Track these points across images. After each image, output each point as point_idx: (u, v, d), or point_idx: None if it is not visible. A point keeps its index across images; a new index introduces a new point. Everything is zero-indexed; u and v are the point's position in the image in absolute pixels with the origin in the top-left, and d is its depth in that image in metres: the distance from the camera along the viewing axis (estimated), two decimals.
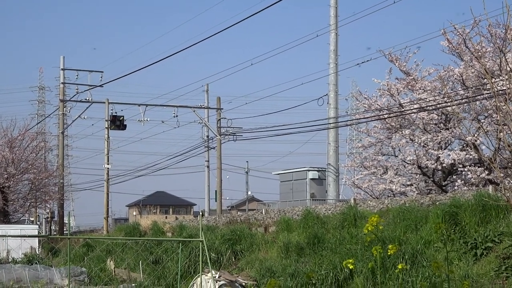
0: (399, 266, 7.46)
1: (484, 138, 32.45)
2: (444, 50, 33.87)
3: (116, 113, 53.30)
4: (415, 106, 34.52)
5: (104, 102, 53.58)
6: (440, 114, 34.29)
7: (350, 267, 7.18)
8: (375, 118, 37.18)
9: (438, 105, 33.40)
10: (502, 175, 14.56)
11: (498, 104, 11.64)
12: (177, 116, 55.18)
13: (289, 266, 23.24)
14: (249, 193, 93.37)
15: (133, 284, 27.54)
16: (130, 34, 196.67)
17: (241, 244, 28.69)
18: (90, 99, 54.79)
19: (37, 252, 40.88)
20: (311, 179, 45.99)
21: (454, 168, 33.69)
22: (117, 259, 33.47)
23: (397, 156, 36.58)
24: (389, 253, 7.04)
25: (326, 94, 42.41)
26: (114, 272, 31.80)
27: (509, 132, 10.48)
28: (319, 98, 43.25)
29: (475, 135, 31.59)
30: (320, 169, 46.49)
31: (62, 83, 57.67)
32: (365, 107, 37.84)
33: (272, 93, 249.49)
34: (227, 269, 26.94)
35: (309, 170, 46.54)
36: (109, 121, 52.81)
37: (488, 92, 29.26)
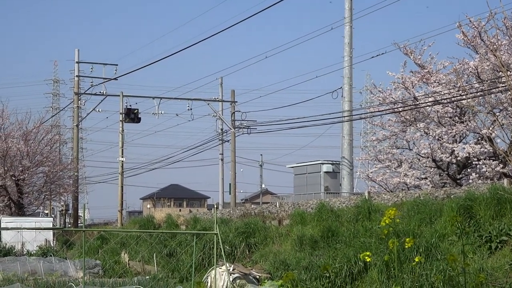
0: (416, 259, 7.45)
1: (499, 131, 32.32)
2: (459, 43, 33.75)
3: (130, 106, 53.43)
4: (430, 99, 34.41)
5: (119, 95, 53.71)
6: (455, 107, 34.17)
7: (368, 260, 7.17)
8: (389, 111, 37.09)
9: (453, 98, 33.29)
10: None
11: None
12: (191, 109, 55.29)
13: (303, 259, 23.24)
14: (263, 186, 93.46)
15: (147, 277, 27.60)
16: (144, 27, 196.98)
17: (255, 237, 28.71)
18: (104, 92, 54.92)
19: (52, 245, 41.05)
20: (325, 172, 45.98)
21: (469, 161, 33.59)
22: (131, 251, 33.58)
23: (411, 150, 36.50)
24: (406, 246, 7.01)
25: (341, 87, 42.36)
26: (128, 264, 31.91)
27: None
28: (333, 91, 43.25)
29: (490, 128, 31.47)
30: (334, 162, 46.46)
31: (76, 76, 57.80)
32: (379, 100, 37.76)
33: (287, 86, 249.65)
34: (241, 262, 26.98)
35: (323, 163, 46.53)
36: (123, 114, 52.92)
37: (503, 85, 29.14)
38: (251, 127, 54.03)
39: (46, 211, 77.01)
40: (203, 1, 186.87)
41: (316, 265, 21.86)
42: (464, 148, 32.73)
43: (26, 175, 51.57)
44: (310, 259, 23.10)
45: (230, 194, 58.57)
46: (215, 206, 27.95)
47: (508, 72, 26.48)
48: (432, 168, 35.30)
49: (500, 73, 29.94)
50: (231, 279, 23.02)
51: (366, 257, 7.16)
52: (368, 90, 43.50)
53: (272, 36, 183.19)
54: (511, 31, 31.68)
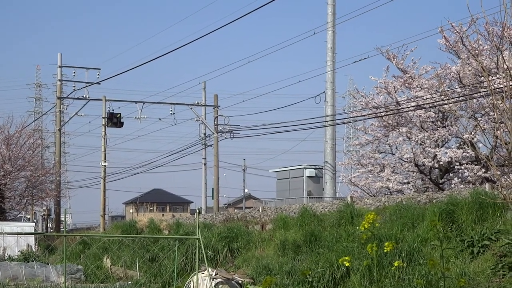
0: (395, 263, 7.44)
1: (481, 136, 32.45)
2: (441, 48, 33.89)
3: (113, 110, 53.18)
4: (412, 104, 34.51)
5: (101, 100, 53.46)
6: (437, 112, 34.29)
7: (346, 265, 7.15)
8: (372, 116, 37.16)
9: (435, 103, 33.39)
10: (499, 173, 14.53)
11: (495, 102, 11.63)
12: (174, 113, 55.07)
13: (286, 264, 23.22)
14: (246, 190, 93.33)
15: (130, 282, 27.53)
16: (127, 31, 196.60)
17: (238, 242, 28.66)
18: (87, 96, 54.71)
19: (34, 250, 40.82)
20: (308, 176, 45.93)
21: (451, 166, 33.69)
22: (114, 256, 33.44)
23: (394, 154, 36.57)
24: (385, 251, 7.01)
25: (323, 92, 42.38)
26: (111, 269, 31.79)
27: (506, 130, 10.45)
28: (316, 95, 43.26)
29: (472, 133, 31.58)
30: (317, 166, 46.44)
31: (59, 80, 57.59)
32: (362, 105, 37.82)
33: (269, 91, 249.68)
34: (224, 267, 26.93)
35: (306, 168, 46.48)
36: (106, 119, 52.68)
37: (485, 90, 29.24)
38: (234, 132, 54.00)
39: (28, 216, 76.53)
40: (186, 6, 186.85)
41: (298, 270, 21.87)
42: (446, 153, 32.84)
43: (8, 179, 51.30)
44: (293, 263, 23.09)
45: (213, 198, 58.40)
46: (198, 211, 27.87)
47: (490, 77, 26.57)
48: (415, 173, 35.38)
49: (482, 78, 30.06)
50: (213, 284, 22.96)
51: (345, 262, 7.14)
52: (351, 94, 43.60)
53: (255, 41, 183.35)
54: (492, 36, 31.81)
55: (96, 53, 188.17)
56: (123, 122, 53.53)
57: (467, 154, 31.99)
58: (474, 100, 31.69)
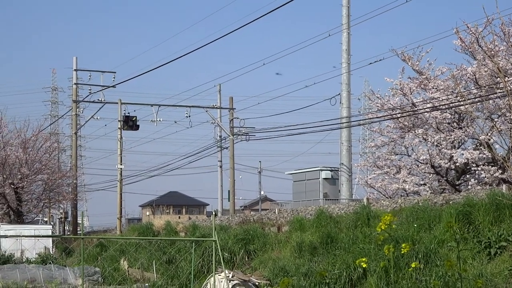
0: (413, 265, 7.49)
1: (498, 137, 32.35)
2: (457, 49, 33.80)
3: (129, 113, 53.37)
4: (428, 105, 34.44)
5: (117, 103, 53.64)
6: (453, 113, 34.20)
7: (363, 266, 7.20)
8: (388, 118, 37.11)
9: (451, 104, 33.32)
10: None
11: (511, 103, 11.64)
12: (189, 116, 55.23)
13: (303, 266, 23.26)
14: (262, 193, 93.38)
15: (147, 284, 27.62)
16: (142, 34, 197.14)
17: (254, 244, 28.71)
18: (103, 99, 54.91)
19: (51, 252, 41.01)
20: (324, 178, 45.96)
21: (468, 167, 33.61)
22: (131, 259, 33.56)
23: (410, 156, 36.50)
24: (402, 252, 7.05)
25: (339, 94, 42.36)
26: (128, 272, 31.88)
27: None
28: (331, 97, 43.27)
29: (489, 134, 31.50)
30: (333, 168, 46.45)
31: (75, 83, 57.86)
32: (377, 106, 37.77)
33: (285, 93, 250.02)
34: (240, 268, 26.98)
35: (322, 170, 46.51)
36: (122, 122, 52.88)
37: (501, 91, 29.17)
38: (249, 134, 54.07)
39: (45, 219, 76.91)
40: (201, 9, 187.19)
41: (315, 271, 21.89)
42: (462, 154, 32.74)
43: (25, 183, 51.56)
44: (309, 265, 23.11)
45: (229, 201, 58.51)
46: (214, 213, 27.99)
47: (506, 78, 26.54)
48: (431, 174, 35.31)
49: (498, 78, 29.99)
50: (230, 286, 23.02)
51: (362, 263, 7.18)
52: (367, 96, 43.57)
53: (269, 43, 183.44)
54: (508, 37, 31.73)
55: (111, 56, 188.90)
56: (138, 125, 53.73)
57: (484, 155, 31.90)
58: (491, 101, 31.61)
